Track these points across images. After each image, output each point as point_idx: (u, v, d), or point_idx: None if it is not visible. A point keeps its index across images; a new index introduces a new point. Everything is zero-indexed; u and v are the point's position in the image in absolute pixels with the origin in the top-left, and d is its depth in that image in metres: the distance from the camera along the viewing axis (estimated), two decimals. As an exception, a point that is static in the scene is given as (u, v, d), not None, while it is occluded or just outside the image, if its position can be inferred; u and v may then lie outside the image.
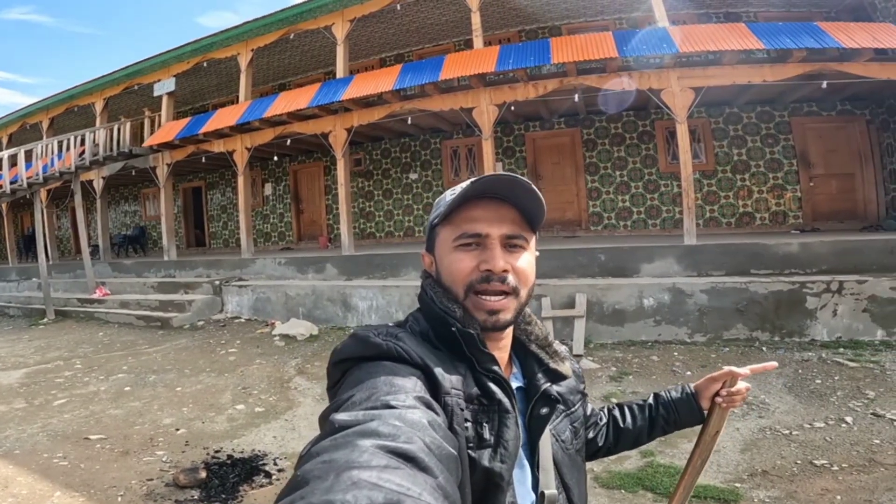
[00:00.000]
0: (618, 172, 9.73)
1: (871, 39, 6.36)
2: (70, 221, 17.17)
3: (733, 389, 1.03)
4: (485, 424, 0.69)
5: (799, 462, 3.03)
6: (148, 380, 5.67)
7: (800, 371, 4.57)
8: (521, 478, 0.73)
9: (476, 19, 8.06)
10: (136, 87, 11.82)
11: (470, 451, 0.67)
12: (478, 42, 8.08)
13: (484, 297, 0.74)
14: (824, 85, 6.86)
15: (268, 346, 6.91)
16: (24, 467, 3.54)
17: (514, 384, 0.79)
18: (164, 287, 9.83)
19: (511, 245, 0.76)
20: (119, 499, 3.05)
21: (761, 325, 5.53)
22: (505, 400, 0.71)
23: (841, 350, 5.01)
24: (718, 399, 1.04)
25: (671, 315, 5.83)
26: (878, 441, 3.20)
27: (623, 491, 2.86)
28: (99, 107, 12.17)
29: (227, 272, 9.76)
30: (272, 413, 4.53)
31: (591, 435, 1.02)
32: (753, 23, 7.88)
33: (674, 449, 3.35)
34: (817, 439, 3.30)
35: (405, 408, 0.56)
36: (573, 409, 0.84)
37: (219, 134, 10.06)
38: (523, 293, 0.77)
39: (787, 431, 3.47)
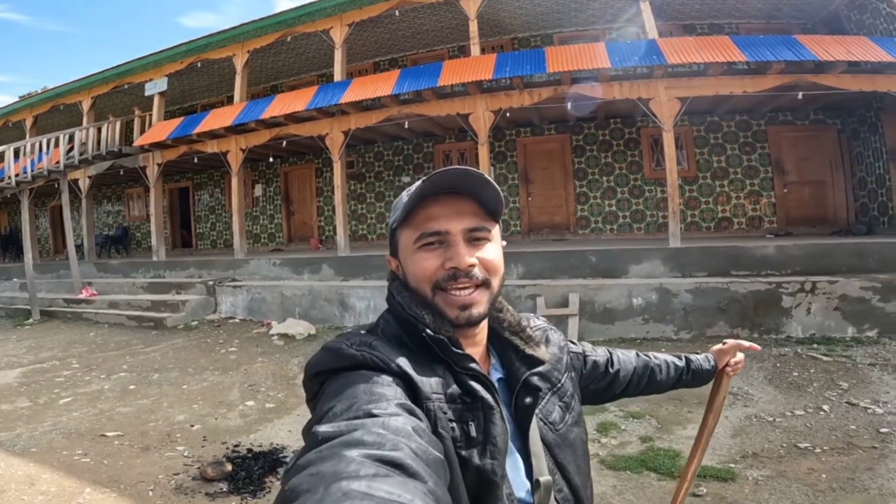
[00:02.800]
0: (605, 178, 10.09)
1: (846, 52, 6.78)
2: (49, 221, 16.84)
3: (737, 359, 1.25)
4: (470, 423, 0.68)
5: (785, 445, 3.32)
6: (152, 378, 5.74)
7: (778, 365, 4.92)
8: (514, 468, 0.73)
9: (473, 27, 8.30)
10: (125, 87, 11.73)
11: (459, 451, 0.66)
12: (475, 49, 8.33)
13: (452, 292, 0.73)
14: (800, 96, 7.29)
15: (267, 346, 7.02)
16: (45, 465, 3.62)
17: (495, 376, 0.78)
18: (155, 287, 9.80)
19: (475, 238, 0.75)
20: (150, 493, 3.18)
21: (741, 322, 5.90)
22: (487, 396, 0.70)
23: (815, 346, 5.39)
24: (728, 369, 1.24)
25: (658, 313, 6.15)
26: (854, 427, 3.52)
27: (629, 472, 3.11)
28: (86, 105, 12.04)
29: (220, 273, 9.79)
30: (283, 409, 4.68)
31: (600, 384, 1.04)
32: (736, 35, 8.30)
33: (671, 435, 3.63)
34: (799, 425, 3.61)
35: (388, 415, 0.56)
36: (560, 385, 0.83)
37: (213, 134, 10.10)
38: (494, 283, 0.76)
39: (771, 419, 3.78)
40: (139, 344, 7.46)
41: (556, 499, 0.75)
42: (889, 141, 7.93)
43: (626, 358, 1.10)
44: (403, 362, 0.68)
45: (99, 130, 11.10)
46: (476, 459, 0.67)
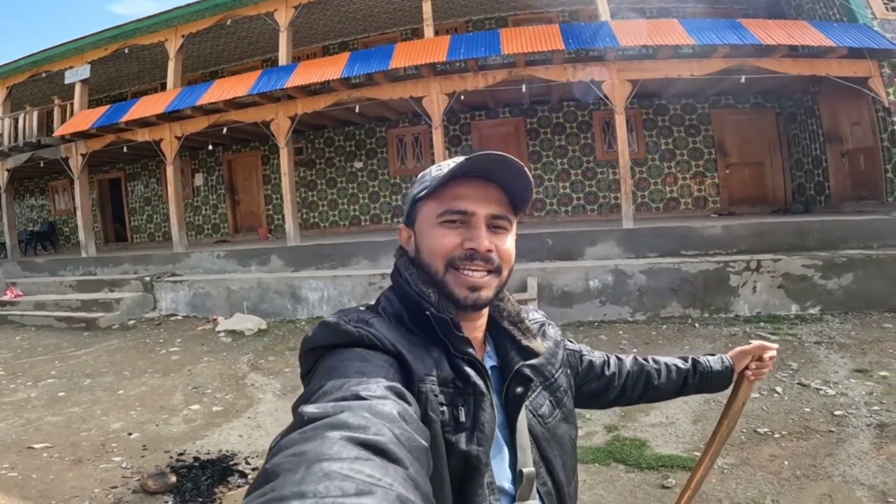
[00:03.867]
0: (559, 160, 10.14)
1: (787, 37, 6.99)
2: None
3: (761, 363, 1.09)
4: (461, 408, 0.68)
5: (745, 431, 3.33)
6: (83, 384, 5.27)
7: (729, 345, 5.02)
8: (499, 457, 0.73)
9: (427, 8, 8.04)
10: (43, 75, 10.73)
11: (447, 436, 0.67)
12: (429, 31, 8.07)
13: (465, 271, 0.73)
14: (743, 79, 7.45)
15: (213, 344, 6.61)
16: (-38, 484, 3.22)
17: (489, 363, 0.79)
18: (86, 286, 9.08)
19: (495, 226, 0.76)
20: (82, 510, 2.87)
21: (693, 302, 6.05)
22: (480, 383, 0.70)
23: (762, 324, 5.58)
24: (748, 372, 1.10)
25: (614, 295, 6.22)
26: (808, 409, 3.57)
27: (597, 464, 3.06)
28: (1, 96, 10.93)
29: (158, 268, 9.17)
30: (232, 412, 4.39)
31: (593, 386, 1.01)
32: (685, 19, 8.41)
33: (634, 423, 3.61)
34: (756, 409, 3.64)
35: (375, 398, 0.56)
36: (552, 380, 0.83)
37: (144, 122, 9.36)
38: (505, 272, 0.77)
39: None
40: (69, 347, 6.86)
41: (538, 491, 0.75)
42: (826, 123, 8.31)
43: (622, 362, 1.07)
44: (400, 342, 0.68)
45: (15, 121, 10.11)
46: (463, 445, 0.67)
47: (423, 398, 0.65)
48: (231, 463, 3.39)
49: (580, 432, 3.50)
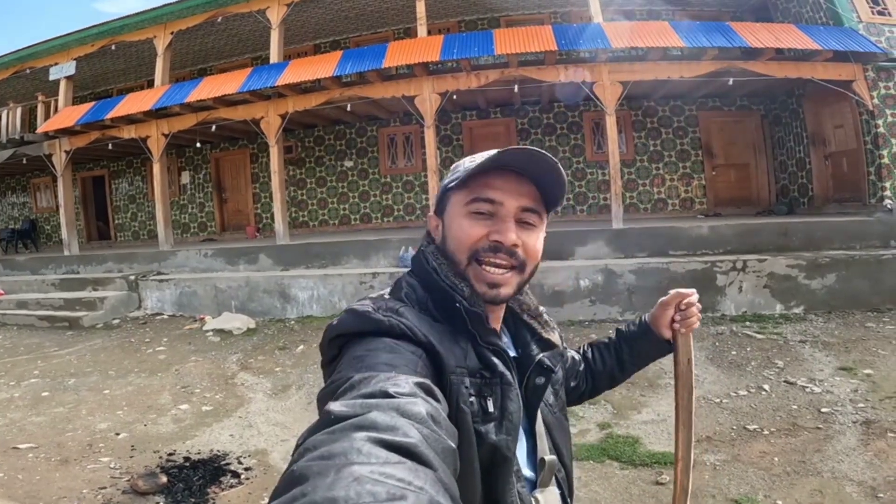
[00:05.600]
0: (548, 161, 10.18)
1: (774, 39, 7.10)
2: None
3: (684, 312, 1.01)
4: (489, 398, 0.68)
5: (735, 428, 3.39)
6: (67, 384, 5.17)
7: (717, 344, 5.12)
8: (521, 445, 0.74)
9: (421, 7, 8.03)
10: (27, 71, 10.52)
11: (476, 426, 0.66)
12: (422, 30, 8.06)
13: (487, 267, 0.73)
14: (731, 82, 7.55)
15: (201, 343, 6.53)
16: (-56, 486, 3.14)
17: (510, 353, 0.78)
18: (68, 284, 8.90)
19: (524, 221, 0.75)
20: (71, 511, 2.82)
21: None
22: (507, 373, 0.71)
23: (748, 323, 5.67)
24: (676, 325, 1.01)
25: (604, 295, 6.27)
26: (795, 406, 3.64)
27: (592, 461, 3.09)
28: (-17, 93, 10.71)
29: (143, 266, 9.04)
30: (222, 411, 4.34)
31: (573, 383, 1.02)
32: (675, 21, 8.51)
33: (627, 420, 3.65)
34: (744, 406, 3.71)
35: (404, 396, 0.55)
36: (555, 373, 0.84)
37: (130, 119, 9.22)
38: (528, 269, 0.76)
39: (717, 400, 3.87)
40: (52, 346, 6.72)
41: (558, 478, 0.77)
42: (810, 126, 8.47)
43: (582, 356, 1.08)
44: (430, 332, 0.67)
45: (-2, 117, 9.91)
46: (493, 434, 0.67)
47: (453, 390, 0.65)
48: (223, 463, 3.35)
49: (574, 430, 3.54)
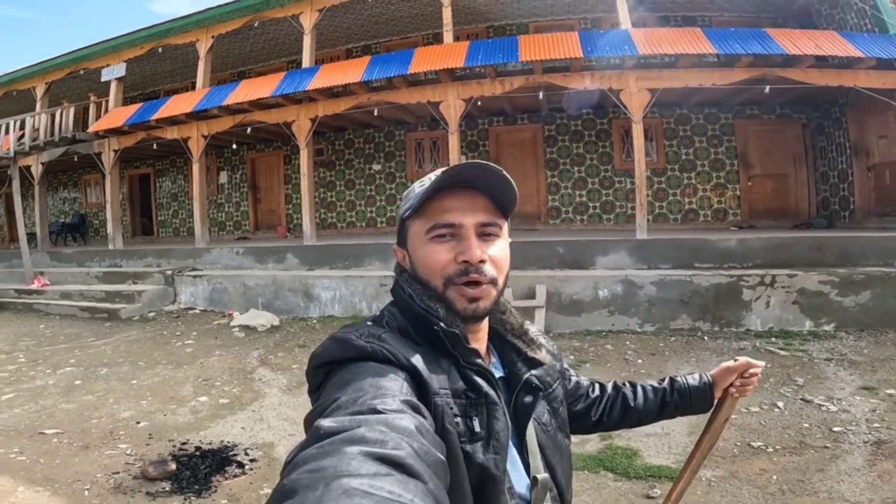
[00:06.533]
0: (576, 168, 10.09)
1: (814, 46, 6.80)
2: (4, 209, 16.01)
3: (745, 379, 1.07)
4: (474, 418, 0.69)
5: (739, 444, 3.29)
6: (99, 373, 5.47)
7: (736, 358, 4.96)
8: (513, 464, 0.74)
9: (447, 14, 8.12)
10: (81, 72, 11.20)
11: (464, 446, 0.67)
12: (448, 37, 8.15)
13: (464, 287, 0.74)
14: (767, 90, 7.28)
15: (227, 338, 6.79)
16: (-23, 464, 3.40)
17: (496, 374, 0.79)
18: (110, 277, 9.41)
19: (485, 234, 0.76)
20: (86, 492, 3.00)
21: (703, 315, 5.95)
22: (492, 392, 0.71)
23: (773, 339, 5.46)
24: (732, 389, 1.08)
25: (623, 306, 6.16)
26: (807, 425, 3.52)
27: (587, 472, 3.06)
28: (40, 91, 11.51)
29: (180, 262, 9.46)
30: (238, 404, 4.51)
31: (578, 407, 1.03)
32: (708, 28, 8.27)
33: (629, 432, 3.56)
34: (754, 423, 3.60)
35: (392, 412, 0.55)
36: (551, 390, 0.85)
37: (173, 121, 9.69)
38: (501, 280, 0.77)
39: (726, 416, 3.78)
40: (90, 336, 7.13)
41: (550, 496, 0.77)
42: (853, 136, 8.10)
43: (604, 386, 1.09)
44: (412, 356, 0.68)
45: (52, 116, 10.56)
46: (480, 454, 0.67)
47: (438, 411, 0.66)
48: (231, 453, 3.49)
49: (575, 440, 3.51)
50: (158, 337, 6.98)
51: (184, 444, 3.67)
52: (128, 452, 3.53)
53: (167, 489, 3.02)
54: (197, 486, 3.02)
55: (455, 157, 7.93)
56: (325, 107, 8.57)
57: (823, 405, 3.79)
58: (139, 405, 4.52)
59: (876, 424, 3.41)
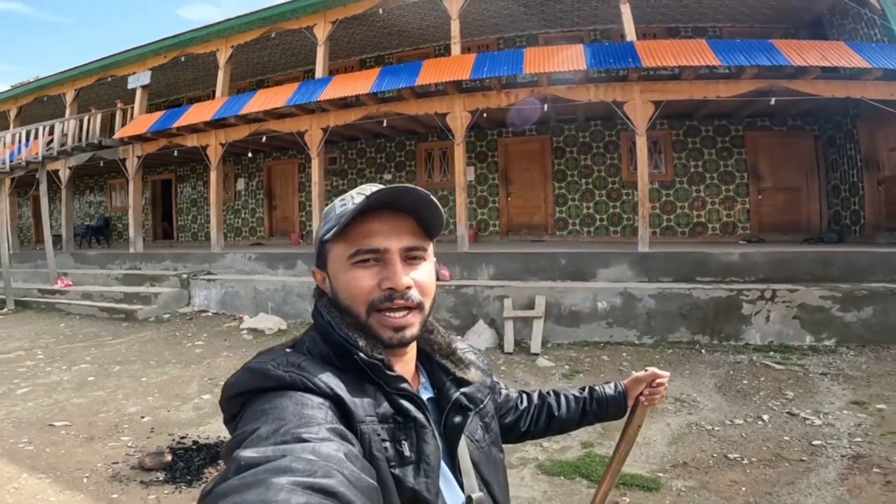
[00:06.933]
0: (583, 180, 10.13)
1: (821, 58, 6.74)
2: (31, 211, 16.72)
3: (654, 388, 1.16)
4: (403, 442, 0.68)
5: (715, 455, 3.33)
6: (112, 370, 5.73)
7: (731, 372, 4.95)
8: (447, 485, 0.73)
9: (455, 27, 8.29)
10: (109, 79, 11.69)
11: (394, 471, 0.66)
12: (455, 49, 8.33)
13: (388, 314, 0.72)
14: (772, 102, 7.23)
15: (235, 340, 7.02)
16: (-11, 452, 3.62)
17: (425, 395, 0.78)
18: (129, 279, 9.78)
19: (411, 257, 0.74)
20: (84, 480, 3.19)
21: (702, 328, 5.94)
22: (420, 416, 0.70)
23: (771, 354, 5.43)
24: (641, 398, 1.16)
25: (622, 318, 6.19)
26: (787, 438, 3.52)
27: (562, 478, 3.13)
28: (69, 97, 12.01)
29: (195, 266, 9.78)
30: (237, 403, 4.68)
31: (508, 420, 1.05)
32: (714, 39, 8.23)
33: (612, 441, 3.63)
34: (735, 435, 3.62)
35: (319, 440, 0.54)
36: (482, 406, 0.84)
37: (192, 129, 10.07)
38: (427, 305, 0.75)
39: (710, 427, 3.79)
40: (107, 336, 7.43)
41: None
42: (864, 149, 7.98)
43: (531, 396, 1.12)
44: (335, 384, 0.66)
45: (80, 122, 11.05)
46: (410, 478, 0.67)
47: (365, 438, 0.64)
48: (224, 449, 3.65)
49: (556, 447, 3.60)
50: (171, 337, 7.25)
51: (182, 438, 3.85)
52: (129, 445, 3.73)
53: (161, 479, 3.19)
54: (189, 477, 3.19)
55: (461, 167, 8.07)
56: (337, 117, 8.82)
57: (809, 419, 3.79)
58: (146, 401, 4.73)
59: (858, 439, 3.40)
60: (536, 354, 5.84)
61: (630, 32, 7.66)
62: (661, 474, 3.14)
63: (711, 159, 9.61)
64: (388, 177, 11.39)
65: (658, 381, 1.15)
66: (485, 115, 8.30)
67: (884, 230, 7.46)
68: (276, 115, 9.30)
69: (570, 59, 7.46)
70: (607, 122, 9.84)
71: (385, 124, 9.10)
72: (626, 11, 7.75)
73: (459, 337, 0.95)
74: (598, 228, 9.99)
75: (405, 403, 0.70)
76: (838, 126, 8.78)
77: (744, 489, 2.88)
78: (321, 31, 9.24)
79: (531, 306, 6.40)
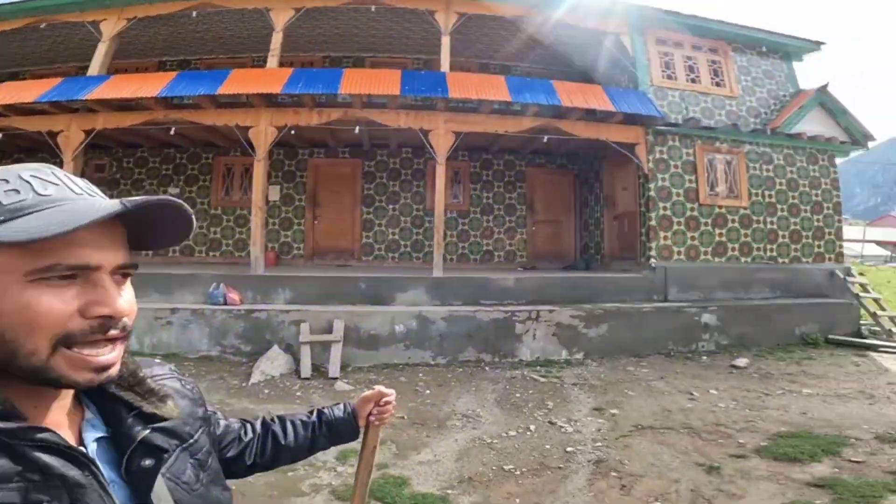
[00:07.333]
0: (391, 206, 10.51)
1: (583, 100, 7.65)
2: None
3: (381, 407, 1.15)
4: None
5: (494, 468, 3.60)
6: None
7: (507, 387, 5.63)
8: None
9: (277, 39, 7.92)
10: None
11: None
12: (272, 62, 7.95)
13: (90, 349, 0.56)
14: (545, 140, 8.11)
15: None
16: None
17: (93, 435, 0.62)
18: None
19: (123, 276, 0.61)
20: None
21: (486, 347, 6.69)
22: (72, 473, 0.54)
23: (538, 368, 6.37)
24: (371, 417, 1.15)
25: (418, 340, 6.60)
26: (548, 446, 3.96)
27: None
28: None
29: None
30: None
31: (231, 453, 0.95)
32: (513, 77, 8.84)
33: (405, 461, 3.78)
34: (510, 446, 3.98)
35: None
36: (192, 441, 0.73)
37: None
38: (130, 331, 0.62)
39: (490, 440, 4.15)
40: None
41: None
42: (606, 188, 9.71)
43: (254, 426, 1.03)
44: None
45: None
46: None
47: None
48: None
49: (350, 470, 3.56)
50: None
51: None
52: None
53: None
54: None
55: (259, 185, 7.65)
56: (107, 120, 7.60)
57: (563, 427, 4.42)
58: None
59: (598, 443, 4.04)
60: (335, 378, 5.84)
61: (445, 63, 8.06)
62: (449, 491, 3.31)
63: (500, 192, 10.87)
64: (174, 190, 10.16)
65: (385, 399, 1.15)
66: (293, 132, 8.02)
67: (617, 259, 9.40)
68: (22, 110, 7.61)
69: (387, 83, 7.63)
70: (418, 150, 10.25)
71: (173, 132, 8.13)
72: (445, 42, 8.19)
73: (158, 360, 0.81)
74: (403, 254, 10.45)
75: (44, 457, 0.52)
76: (591, 166, 10.41)
77: (517, 500, 3.19)
78: (110, 27, 7.97)
79: (330, 331, 6.39)
